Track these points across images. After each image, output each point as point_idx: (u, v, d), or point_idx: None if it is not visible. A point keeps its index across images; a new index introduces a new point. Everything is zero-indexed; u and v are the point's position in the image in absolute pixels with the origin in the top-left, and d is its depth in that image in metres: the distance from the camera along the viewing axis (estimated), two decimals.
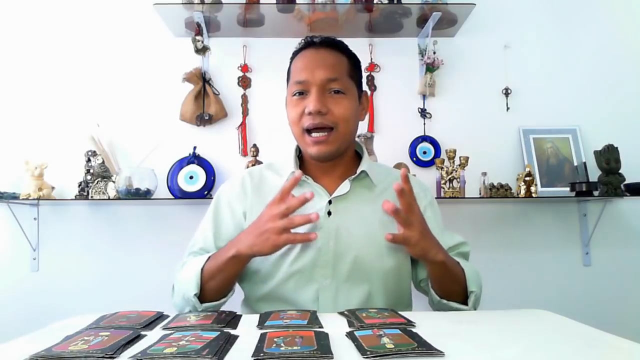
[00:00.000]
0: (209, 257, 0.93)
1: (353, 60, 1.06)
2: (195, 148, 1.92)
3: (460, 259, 1.00)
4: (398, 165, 1.85)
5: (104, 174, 1.77)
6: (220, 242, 1.02)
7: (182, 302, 0.94)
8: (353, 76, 1.04)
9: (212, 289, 0.91)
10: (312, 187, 1.03)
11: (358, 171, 1.04)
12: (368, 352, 0.53)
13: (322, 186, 1.04)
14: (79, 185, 1.79)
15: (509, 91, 2.03)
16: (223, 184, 1.14)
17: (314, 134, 0.99)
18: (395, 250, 1.00)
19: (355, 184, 1.04)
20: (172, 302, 1.00)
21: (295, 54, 1.06)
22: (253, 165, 1.80)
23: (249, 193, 1.06)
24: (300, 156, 1.10)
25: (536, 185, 1.85)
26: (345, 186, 1.03)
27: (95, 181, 1.76)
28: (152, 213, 1.95)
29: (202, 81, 1.93)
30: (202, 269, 0.91)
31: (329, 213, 1.01)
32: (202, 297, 0.91)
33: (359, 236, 1.00)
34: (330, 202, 1.02)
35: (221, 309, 0.90)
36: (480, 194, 1.89)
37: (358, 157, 1.11)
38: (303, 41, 1.07)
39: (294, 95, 1.01)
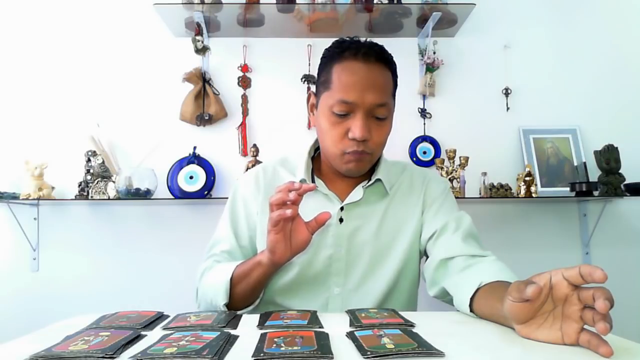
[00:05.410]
0: (237, 266, 0.91)
1: (395, 74, 1.00)
2: (195, 148, 1.92)
3: (482, 257, 0.91)
4: None
5: (104, 174, 1.77)
6: (242, 241, 1.02)
7: (208, 308, 0.94)
8: (394, 93, 1.00)
9: (238, 296, 0.91)
10: (324, 193, 1.01)
11: (373, 179, 1.02)
12: (368, 352, 0.53)
13: (334, 192, 1.02)
14: (79, 185, 1.79)
15: (509, 91, 2.03)
16: (238, 181, 1.11)
17: (352, 154, 0.95)
18: (406, 257, 1.00)
19: (368, 191, 1.02)
20: (195, 305, 1.00)
21: (337, 55, 0.95)
22: (253, 165, 1.80)
23: (262, 191, 1.04)
24: (314, 157, 1.08)
25: (536, 185, 1.85)
26: (357, 193, 1.00)
27: (95, 181, 1.76)
28: (152, 213, 1.95)
29: (202, 81, 1.93)
30: (231, 279, 0.89)
31: (341, 220, 0.99)
32: (228, 305, 0.90)
33: (371, 243, 0.99)
34: (342, 208, 1.00)
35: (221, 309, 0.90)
36: (480, 194, 1.89)
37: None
38: (347, 42, 0.96)
39: (335, 112, 0.93)
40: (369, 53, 0.94)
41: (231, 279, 0.90)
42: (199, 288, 1.00)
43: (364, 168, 0.99)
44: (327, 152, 0.99)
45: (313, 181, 1.02)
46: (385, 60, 0.96)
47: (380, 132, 0.96)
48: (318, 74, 1.01)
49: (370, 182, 1.02)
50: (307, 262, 0.98)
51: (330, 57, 0.97)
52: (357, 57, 0.93)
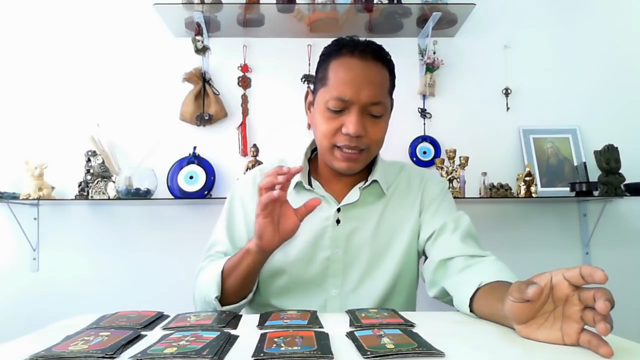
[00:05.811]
0: (228, 259, 0.92)
1: (393, 73, 1.00)
2: (195, 148, 1.92)
3: (481, 256, 0.91)
4: None
5: (104, 174, 1.77)
6: (239, 243, 1.02)
7: (204, 306, 0.94)
8: (391, 91, 1.00)
9: (230, 288, 0.90)
10: (321, 195, 1.01)
11: (370, 180, 1.01)
12: (368, 352, 0.53)
13: (331, 193, 1.02)
14: (79, 185, 1.79)
15: (509, 91, 2.03)
16: (235, 183, 1.11)
17: (345, 150, 0.95)
18: (405, 258, 0.99)
19: (365, 192, 1.02)
20: (192, 307, 1.00)
21: (335, 53, 0.96)
22: (253, 165, 1.80)
23: (259, 192, 1.05)
24: (310, 158, 1.08)
25: (536, 185, 1.85)
26: (354, 194, 1.00)
27: (95, 181, 1.76)
28: (152, 213, 1.95)
29: (202, 81, 1.93)
30: (222, 271, 0.90)
31: (338, 221, 0.99)
32: (222, 299, 0.90)
33: (368, 244, 0.99)
34: (339, 210, 1.00)
35: (221, 309, 0.90)
36: (480, 194, 1.89)
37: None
38: (345, 40, 0.97)
39: (330, 108, 0.93)
40: (366, 51, 0.94)
41: (222, 272, 0.90)
42: (195, 288, 1.00)
43: (356, 167, 0.99)
44: (319, 146, 1.00)
45: (310, 183, 1.02)
46: (382, 59, 0.96)
47: (375, 129, 0.96)
48: (316, 71, 1.02)
49: (367, 184, 1.01)
50: (304, 264, 0.98)
51: (328, 54, 0.98)
52: (354, 54, 0.94)
